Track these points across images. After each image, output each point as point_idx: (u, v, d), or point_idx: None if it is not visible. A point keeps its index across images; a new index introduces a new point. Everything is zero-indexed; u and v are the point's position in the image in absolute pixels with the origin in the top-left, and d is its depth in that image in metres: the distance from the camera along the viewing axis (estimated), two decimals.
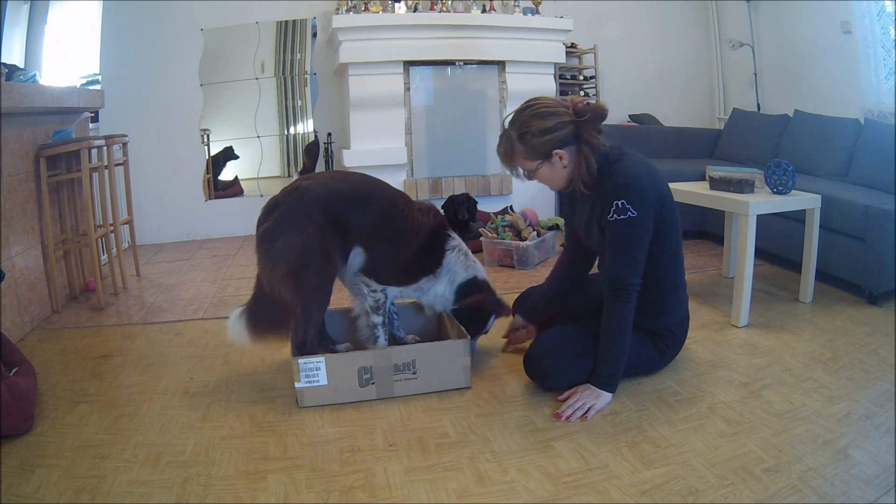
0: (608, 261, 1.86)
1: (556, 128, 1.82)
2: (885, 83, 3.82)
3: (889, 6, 3.73)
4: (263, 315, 2.05)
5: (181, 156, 4.52)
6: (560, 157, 1.85)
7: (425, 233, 2.05)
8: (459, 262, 2.13)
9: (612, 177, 1.82)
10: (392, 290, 2.10)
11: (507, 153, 1.90)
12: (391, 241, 2.03)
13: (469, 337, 2.03)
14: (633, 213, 1.78)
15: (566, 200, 2.11)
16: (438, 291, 2.12)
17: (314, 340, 2.00)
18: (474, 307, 2.13)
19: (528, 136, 1.83)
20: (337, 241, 1.98)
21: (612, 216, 1.80)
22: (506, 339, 2.31)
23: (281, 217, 1.95)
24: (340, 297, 2.36)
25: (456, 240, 2.15)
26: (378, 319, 2.07)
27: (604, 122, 1.87)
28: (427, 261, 2.08)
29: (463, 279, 2.13)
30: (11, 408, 1.75)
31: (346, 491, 1.50)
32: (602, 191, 1.84)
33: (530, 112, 1.85)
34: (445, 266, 2.10)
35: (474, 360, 2.11)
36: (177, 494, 1.50)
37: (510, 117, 1.91)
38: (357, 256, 2.04)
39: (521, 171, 1.93)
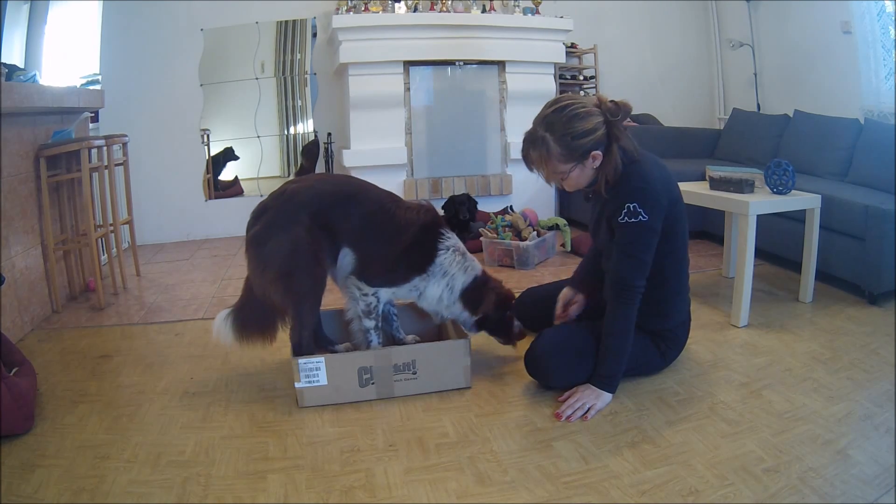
0: (615, 261, 1.86)
1: (596, 128, 1.77)
2: (885, 83, 3.82)
3: (889, 6, 3.73)
4: (250, 317, 2.06)
5: (181, 156, 4.52)
6: (594, 159, 1.81)
7: (414, 230, 2.01)
8: (456, 264, 2.06)
9: (627, 178, 1.81)
10: (384, 294, 2.07)
11: (542, 156, 1.80)
12: (378, 240, 2.01)
13: (468, 337, 2.04)
14: (643, 218, 1.78)
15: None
16: (435, 294, 2.07)
17: (309, 342, 2.01)
18: (498, 308, 2.09)
19: (569, 138, 1.76)
20: (325, 243, 1.97)
21: (623, 218, 1.79)
22: (559, 316, 2.20)
23: (269, 221, 1.95)
24: (339, 298, 2.36)
25: (451, 239, 2.08)
26: (370, 324, 2.05)
27: None
28: (416, 259, 2.03)
29: (464, 284, 2.07)
30: (11, 408, 1.75)
31: (346, 491, 1.50)
32: (615, 192, 1.83)
33: (569, 113, 1.76)
34: (439, 266, 2.05)
35: (474, 359, 2.10)
36: (177, 494, 1.50)
37: (542, 119, 1.81)
38: (346, 257, 2.03)
39: (544, 173, 1.86)
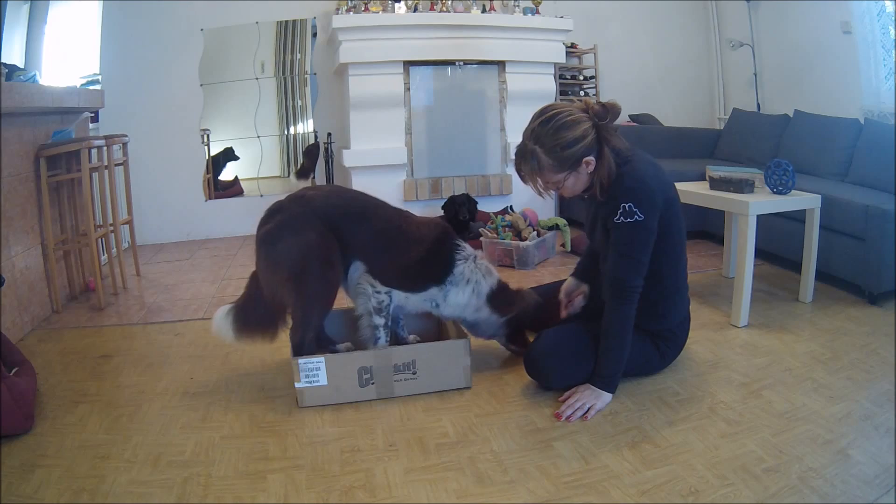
0: (611, 261, 1.85)
1: (584, 135, 1.76)
2: (885, 83, 3.82)
3: (889, 6, 3.73)
4: (251, 315, 2.06)
5: (181, 156, 4.52)
6: (587, 164, 1.80)
7: (428, 243, 2.03)
8: (478, 270, 2.06)
9: (621, 179, 1.81)
10: (397, 296, 2.07)
11: (534, 170, 1.80)
12: (391, 253, 2.02)
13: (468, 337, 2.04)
14: (639, 217, 1.78)
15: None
16: (461, 301, 2.05)
17: (311, 343, 2.01)
18: (526, 312, 2.09)
19: (558, 149, 1.76)
20: (338, 251, 1.98)
21: (619, 218, 1.79)
22: (564, 306, 2.22)
23: (282, 221, 1.96)
24: (340, 298, 2.35)
25: (467, 250, 2.10)
26: (380, 321, 2.05)
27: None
28: (433, 269, 2.04)
29: (490, 287, 2.07)
30: (11, 408, 1.75)
31: (346, 491, 1.50)
32: (610, 193, 1.82)
33: (555, 124, 1.76)
34: (459, 275, 2.05)
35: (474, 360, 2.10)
36: (177, 494, 1.50)
37: (530, 132, 1.81)
38: (357, 271, 2.05)
39: (540, 184, 1.85)
